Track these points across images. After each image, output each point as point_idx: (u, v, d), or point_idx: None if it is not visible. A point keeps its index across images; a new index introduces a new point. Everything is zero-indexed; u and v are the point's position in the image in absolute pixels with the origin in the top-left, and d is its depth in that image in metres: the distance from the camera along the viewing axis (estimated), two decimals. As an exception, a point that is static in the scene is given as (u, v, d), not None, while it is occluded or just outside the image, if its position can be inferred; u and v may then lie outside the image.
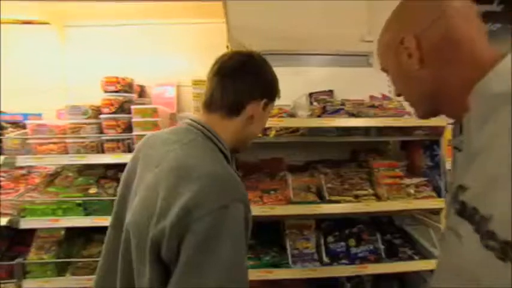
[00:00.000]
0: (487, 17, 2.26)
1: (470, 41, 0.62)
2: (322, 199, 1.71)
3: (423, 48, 0.66)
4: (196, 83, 1.69)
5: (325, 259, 1.71)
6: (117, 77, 1.77)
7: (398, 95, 0.79)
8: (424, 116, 0.75)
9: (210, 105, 0.89)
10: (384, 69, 0.79)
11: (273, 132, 1.68)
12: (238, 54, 0.92)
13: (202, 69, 2.08)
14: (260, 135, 1.70)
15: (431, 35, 0.65)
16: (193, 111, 1.71)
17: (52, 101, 2.02)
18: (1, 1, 1.43)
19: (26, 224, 1.67)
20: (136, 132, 1.73)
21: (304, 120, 1.68)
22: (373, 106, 1.87)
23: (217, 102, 0.88)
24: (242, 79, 0.88)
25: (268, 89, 0.93)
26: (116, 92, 1.77)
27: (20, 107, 2.01)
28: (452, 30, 0.63)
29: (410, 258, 1.80)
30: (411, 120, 1.66)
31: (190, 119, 0.89)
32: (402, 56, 0.68)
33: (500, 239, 0.51)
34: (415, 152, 1.99)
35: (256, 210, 1.62)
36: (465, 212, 0.59)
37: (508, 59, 0.57)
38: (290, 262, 1.68)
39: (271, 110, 0.99)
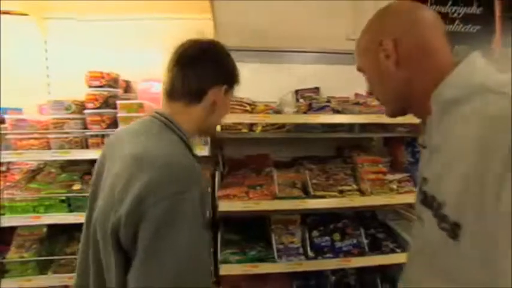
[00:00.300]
0: (467, 19, 2.34)
1: (436, 51, 0.71)
2: (307, 194, 1.74)
3: (399, 51, 0.73)
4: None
5: (310, 253, 1.74)
6: (101, 72, 1.74)
7: (370, 93, 0.85)
8: (393, 114, 0.81)
9: (171, 94, 0.90)
10: (359, 69, 0.85)
11: (259, 128, 1.69)
12: (197, 42, 0.92)
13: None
14: (246, 130, 1.71)
15: (406, 41, 0.72)
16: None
17: (33, 96, 1.97)
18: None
19: (5, 221, 1.62)
20: (121, 127, 1.70)
21: (290, 117, 1.70)
22: (357, 103, 1.92)
23: (179, 91, 0.89)
24: (202, 66, 0.89)
25: (229, 75, 0.95)
26: (101, 86, 1.74)
27: (-1, 102, 1.95)
28: (423, 40, 0.71)
29: (393, 251, 1.85)
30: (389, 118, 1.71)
31: (154, 111, 0.90)
32: (380, 57, 0.74)
33: (451, 221, 0.60)
34: (397, 149, 2.05)
35: (242, 205, 1.64)
36: (426, 200, 0.69)
37: (458, 69, 0.67)
38: (275, 256, 1.70)
39: (231, 97, 1.00)
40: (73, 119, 1.72)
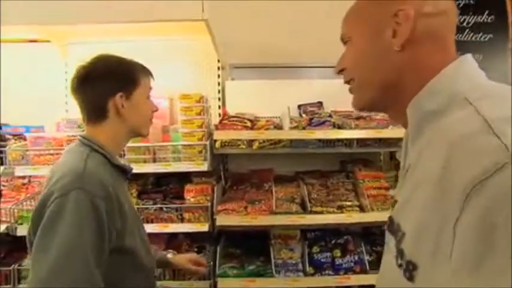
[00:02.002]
0: (478, 28, 2.26)
1: (445, 49, 0.58)
2: (305, 210, 1.74)
3: (414, 31, 0.56)
4: (183, 97, 1.76)
5: (309, 269, 1.73)
6: (110, 92, 1.87)
7: (340, 72, 0.67)
8: (364, 104, 0.66)
9: (84, 119, 1.00)
10: (343, 37, 0.66)
11: (256, 144, 1.73)
12: (80, 66, 0.98)
13: (194, 83, 2.18)
14: (244, 146, 1.76)
15: (428, 22, 0.56)
16: (180, 123, 1.78)
17: (54, 114, 2.14)
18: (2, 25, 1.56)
19: (22, 231, 1.76)
20: (129, 143, 1.81)
21: (285, 132, 1.73)
22: (361, 117, 1.90)
23: (86, 115, 0.99)
24: (90, 85, 0.96)
25: (119, 81, 0.98)
26: (110, 105, 1.86)
27: (24, 120, 2.14)
28: (441, 29, 0.57)
29: (398, 270, 1.78)
30: (393, 131, 1.68)
31: (79, 134, 1.04)
32: (386, 31, 0.58)
33: (407, 258, 0.50)
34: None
35: (239, 220, 1.67)
36: (393, 227, 0.59)
37: (441, 74, 0.55)
38: (274, 272, 1.70)
39: (145, 94, 1.04)
40: (85, 136, 1.85)
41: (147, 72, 1.08)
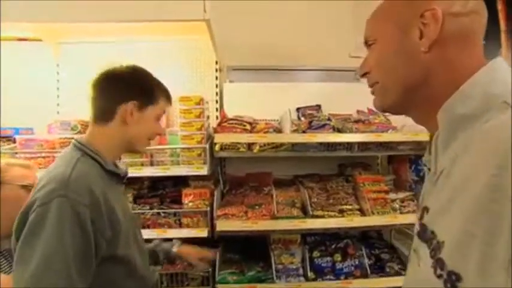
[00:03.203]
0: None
1: (473, 48, 0.56)
2: (306, 214, 1.72)
3: (442, 31, 0.55)
4: (182, 99, 1.72)
5: (310, 274, 1.71)
6: (105, 93, 1.81)
7: (364, 75, 0.66)
8: (389, 106, 0.65)
9: (91, 118, 1.01)
10: (368, 40, 0.65)
11: (257, 148, 1.70)
12: (105, 69, 1.01)
13: (191, 85, 2.14)
14: (244, 150, 1.73)
15: (456, 22, 0.55)
16: (179, 126, 1.74)
17: (45, 116, 2.06)
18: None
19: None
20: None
21: (286, 136, 1.71)
22: (360, 121, 1.90)
23: (94, 113, 1.00)
24: (107, 87, 0.99)
25: (137, 91, 1.00)
26: (105, 107, 1.80)
27: (14, 122, 2.05)
28: (470, 29, 0.56)
29: (397, 273, 1.79)
30: (393, 135, 1.69)
31: (74, 138, 1.02)
32: (412, 32, 0.57)
33: (448, 269, 0.48)
34: (401, 167, 2.01)
35: (240, 225, 1.64)
36: (425, 234, 0.57)
37: (475, 77, 0.53)
38: (274, 277, 1.67)
39: (158, 113, 1.05)
40: (79, 138, 1.78)
41: (168, 98, 1.10)
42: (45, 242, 0.78)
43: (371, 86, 0.65)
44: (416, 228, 0.63)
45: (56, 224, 0.79)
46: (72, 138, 1.74)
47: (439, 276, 0.50)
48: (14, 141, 1.90)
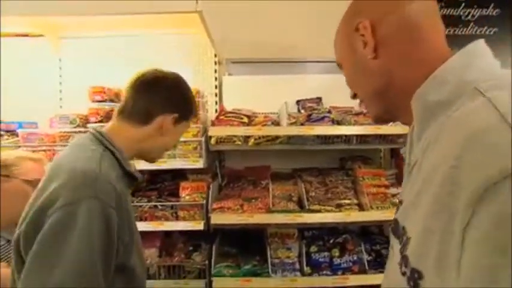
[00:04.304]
0: (482, 21, 2.20)
1: (425, 38, 0.56)
2: (303, 208, 1.69)
3: (378, 36, 0.58)
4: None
5: (306, 269, 1.69)
6: (103, 87, 1.83)
7: (354, 96, 0.70)
8: (377, 117, 0.67)
9: (121, 112, 0.93)
10: (338, 63, 0.71)
11: (252, 141, 1.68)
12: (157, 71, 0.97)
13: (190, 78, 2.13)
14: (240, 142, 1.71)
15: (387, 23, 0.57)
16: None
17: (49, 110, 2.10)
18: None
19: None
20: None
21: (283, 129, 1.68)
22: (361, 113, 1.85)
23: (128, 111, 0.92)
24: (155, 91, 0.93)
25: (181, 105, 0.97)
26: (103, 101, 1.82)
27: (18, 116, 2.10)
28: (409, 22, 0.56)
29: (398, 269, 1.74)
30: (393, 128, 1.63)
31: (92, 127, 0.94)
32: (357, 45, 0.61)
33: (411, 266, 0.47)
34: (402, 160, 1.94)
35: (235, 218, 1.63)
36: (398, 230, 0.55)
37: (449, 62, 0.51)
38: (270, 271, 1.66)
39: (185, 129, 1.02)
40: (78, 132, 1.81)
41: (196, 115, 1.09)
42: (74, 247, 0.69)
43: (360, 103, 0.70)
44: (391, 224, 0.60)
45: (86, 228, 0.70)
46: (72, 132, 1.80)
47: (403, 274, 0.48)
48: (18, 136, 1.95)
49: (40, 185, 0.80)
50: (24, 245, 0.73)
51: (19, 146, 1.84)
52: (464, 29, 2.20)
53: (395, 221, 0.58)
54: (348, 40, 0.63)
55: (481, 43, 0.52)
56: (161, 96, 0.93)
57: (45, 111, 2.09)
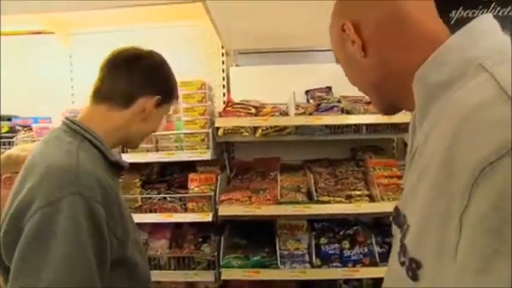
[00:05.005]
0: (505, 1, 2.06)
1: (415, 22, 0.53)
2: (311, 199, 1.67)
3: (364, 34, 0.57)
4: (183, 84, 1.71)
5: (316, 261, 1.66)
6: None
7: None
8: (383, 110, 0.66)
9: (97, 95, 0.84)
10: (337, 61, 0.70)
11: (259, 131, 1.66)
12: (133, 48, 0.88)
13: (198, 70, 2.12)
14: (247, 134, 1.69)
15: (371, 19, 0.57)
16: (182, 111, 1.74)
17: (62, 106, 2.15)
18: (5, 15, 1.55)
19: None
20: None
21: (289, 119, 1.65)
22: (371, 102, 1.79)
23: (106, 93, 0.83)
24: (136, 71, 0.84)
25: (164, 87, 0.90)
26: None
27: (33, 112, 2.16)
28: (394, 11, 0.55)
29: (411, 262, 1.69)
30: (404, 116, 1.56)
31: (65, 117, 0.83)
32: (347, 45, 0.61)
33: (409, 255, 0.45)
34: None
35: (243, 210, 1.62)
36: (399, 219, 0.54)
37: (449, 40, 0.48)
38: (278, 263, 1.65)
39: (166, 113, 0.95)
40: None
41: (178, 98, 1.01)
42: (59, 248, 0.64)
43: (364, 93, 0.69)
44: (393, 212, 0.58)
45: (71, 229, 0.65)
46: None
47: (402, 264, 0.47)
48: (31, 130, 2.01)
49: (14, 188, 0.72)
50: (6, 256, 0.68)
51: (34, 140, 1.89)
52: (486, 10, 2.07)
53: (397, 209, 0.56)
54: (337, 39, 0.64)
55: (487, 18, 0.48)
56: (142, 77, 0.84)
57: (58, 107, 2.15)
